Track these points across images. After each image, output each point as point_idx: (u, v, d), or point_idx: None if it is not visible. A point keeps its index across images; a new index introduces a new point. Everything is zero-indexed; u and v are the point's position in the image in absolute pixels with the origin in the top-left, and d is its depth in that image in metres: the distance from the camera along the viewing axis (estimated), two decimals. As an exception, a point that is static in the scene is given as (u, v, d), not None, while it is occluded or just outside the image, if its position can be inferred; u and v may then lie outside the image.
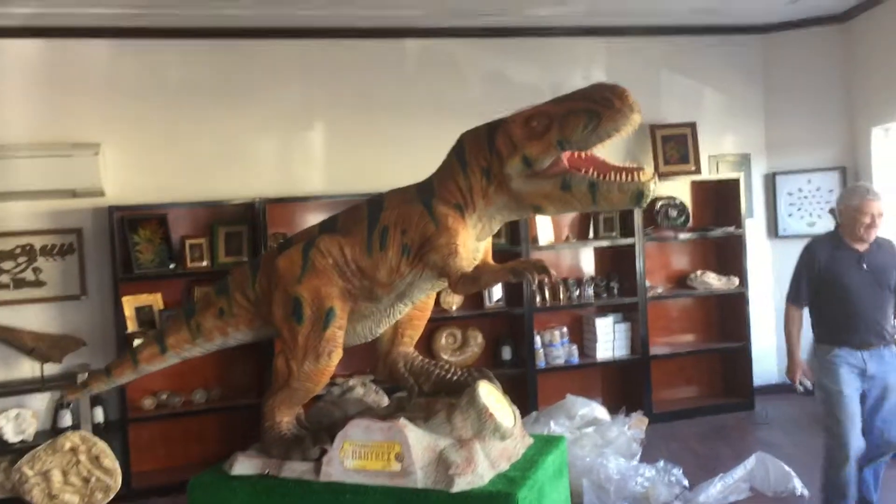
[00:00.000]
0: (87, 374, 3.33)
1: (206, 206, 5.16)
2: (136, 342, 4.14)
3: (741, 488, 4.19)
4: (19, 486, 4.47)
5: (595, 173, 2.47)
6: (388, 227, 2.77)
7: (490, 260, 2.94)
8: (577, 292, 5.76)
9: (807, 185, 6.20)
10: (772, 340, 6.35)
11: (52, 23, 4.92)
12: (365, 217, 2.85)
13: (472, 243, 2.75)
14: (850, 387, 3.70)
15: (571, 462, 4.17)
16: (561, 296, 5.72)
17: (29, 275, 4.92)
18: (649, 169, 2.46)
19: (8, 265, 4.89)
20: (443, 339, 5.55)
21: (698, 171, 5.99)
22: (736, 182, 5.92)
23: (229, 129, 5.32)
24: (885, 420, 3.72)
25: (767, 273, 6.35)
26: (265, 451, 2.91)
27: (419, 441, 2.67)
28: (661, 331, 6.07)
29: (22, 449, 4.56)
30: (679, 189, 6.05)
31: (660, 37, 6.08)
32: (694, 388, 6.20)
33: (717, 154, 6.22)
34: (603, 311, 5.86)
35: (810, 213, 6.19)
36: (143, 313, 4.96)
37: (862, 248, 3.76)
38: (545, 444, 3.08)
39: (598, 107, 2.38)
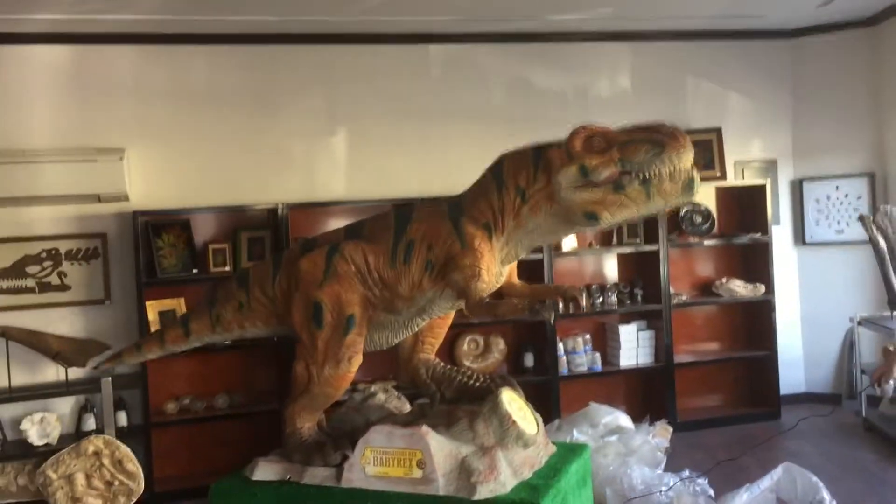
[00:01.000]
0: (121, 349, 3.44)
1: (229, 211, 5.18)
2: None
3: (768, 499, 4.10)
4: (43, 489, 4.49)
5: (644, 172, 2.49)
6: (414, 241, 2.76)
7: (515, 279, 2.93)
8: (601, 299, 5.71)
9: (835, 192, 6.11)
10: (798, 349, 6.27)
11: (78, 29, 4.96)
12: (392, 226, 2.84)
13: (497, 267, 2.73)
14: None
15: (594, 471, 4.12)
16: (584, 303, 5.67)
17: (54, 279, 4.96)
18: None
19: (34, 269, 4.94)
20: (465, 345, 5.52)
21: (724, 177, 5.92)
22: (762, 188, 5.84)
23: (253, 134, 5.34)
24: None
25: (794, 281, 6.26)
26: (286, 457, 2.91)
27: (441, 448, 2.66)
28: (685, 338, 6.00)
29: (46, 452, 4.57)
30: (704, 195, 5.97)
31: (686, 41, 6.03)
32: (719, 397, 6.12)
33: (743, 160, 6.15)
34: (626, 318, 5.80)
35: (838, 221, 6.10)
36: (166, 318, 4.97)
37: None
38: (568, 452, 3.06)
39: (663, 137, 2.45)
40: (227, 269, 5.06)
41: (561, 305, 2.64)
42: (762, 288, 5.85)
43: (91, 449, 4.48)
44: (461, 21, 5.42)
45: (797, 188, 6.22)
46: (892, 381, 3.86)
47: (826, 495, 4.09)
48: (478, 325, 5.47)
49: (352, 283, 2.82)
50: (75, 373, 4.84)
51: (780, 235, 6.17)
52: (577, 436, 4.55)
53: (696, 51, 6.07)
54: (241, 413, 5.09)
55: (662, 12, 5.54)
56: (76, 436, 4.79)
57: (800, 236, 6.24)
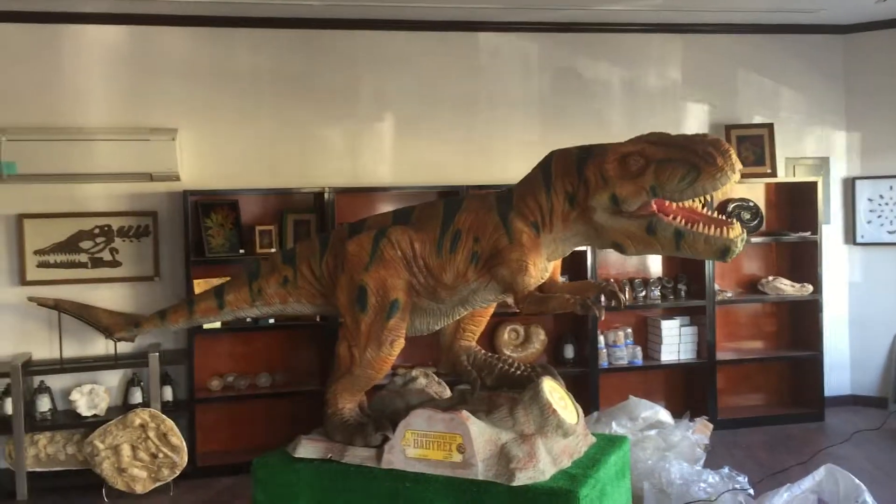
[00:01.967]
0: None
1: (276, 193, 5.24)
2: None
3: (809, 499, 4.05)
4: (90, 458, 4.63)
5: (683, 221, 2.44)
6: (461, 231, 2.77)
7: (558, 276, 2.92)
8: (643, 293, 5.67)
9: (888, 192, 5.98)
10: (845, 350, 6.17)
11: (134, 10, 5.06)
12: (440, 215, 2.84)
13: (543, 263, 2.72)
14: None
15: (633, 464, 4.09)
16: (627, 296, 5.65)
17: (106, 255, 5.08)
18: (738, 224, 2.39)
19: (87, 244, 5.06)
20: (505, 335, 5.53)
21: (774, 173, 5.83)
22: (813, 186, 5.74)
23: (301, 118, 5.40)
24: None
25: (843, 281, 6.16)
26: (328, 436, 2.94)
27: (481, 434, 2.67)
28: (728, 336, 5.94)
29: (94, 423, 4.73)
30: (753, 191, 5.90)
31: (738, 34, 5.94)
32: (761, 396, 6.05)
33: (794, 157, 6.05)
34: (669, 313, 5.76)
35: (891, 221, 5.98)
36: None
37: None
38: (608, 443, 3.05)
39: (699, 161, 2.34)
40: (273, 250, 5.12)
41: (606, 302, 2.62)
42: (809, 287, 5.76)
43: (137, 421, 4.64)
44: (509, 10, 5.41)
45: (849, 186, 6.10)
46: None
47: (869, 498, 4.03)
48: (518, 314, 5.47)
49: (397, 269, 2.83)
50: (124, 347, 4.95)
51: (831, 234, 6.07)
52: (616, 429, 4.54)
53: (748, 44, 5.98)
54: (283, 392, 5.17)
55: (714, 5, 5.45)
56: (123, 408, 4.92)
57: (850, 236, 6.13)
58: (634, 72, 5.86)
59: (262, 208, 5.29)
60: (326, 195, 5.14)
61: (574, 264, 5.35)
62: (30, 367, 4.79)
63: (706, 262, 5.54)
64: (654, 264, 5.88)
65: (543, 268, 2.74)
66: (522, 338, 5.58)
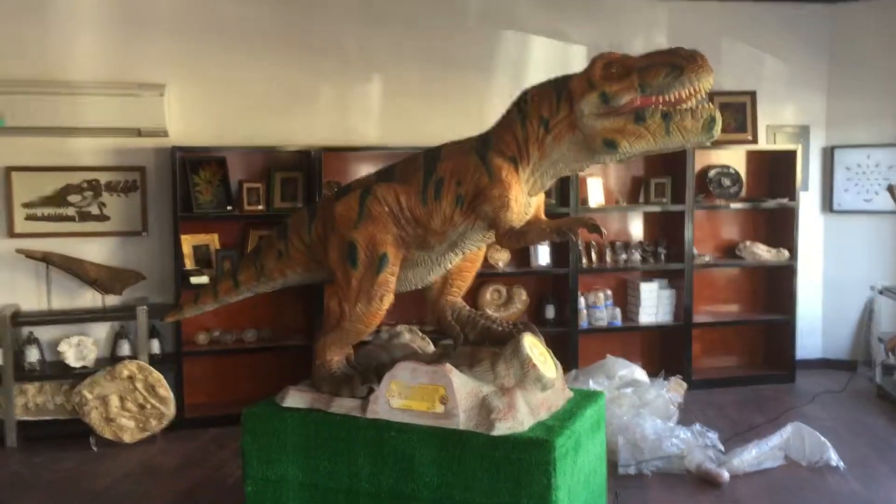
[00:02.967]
0: (180, 304, 3.61)
1: (263, 151, 5.28)
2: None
3: (776, 456, 4.23)
4: (79, 408, 4.72)
5: (667, 106, 2.54)
6: (443, 178, 2.86)
7: (542, 216, 3.00)
8: (624, 256, 5.78)
9: (865, 160, 6.10)
10: (818, 315, 6.33)
11: (123, -36, 5.05)
12: (421, 167, 2.93)
13: (524, 198, 2.81)
14: None
15: (608, 420, 4.23)
16: (608, 259, 5.76)
17: (94, 209, 5.11)
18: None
19: (75, 199, 5.09)
20: (488, 295, 5.63)
21: (755, 140, 5.92)
22: (793, 154, 5.84)
23: (289, 76, 5.41)
24: None
25: (818, 247, 6.30)
26: (315, 387, 3.05)
27: (463, 386, 2.78)
28: (706, 299, 6.08)
29: (82, 374, 4.81)
30: (734, 158, 6.01)
31: (724, 2, 5.99)
32: (735, 358, 6.21)
33: (775, 124, 6.15)
34: (648, 276, 5.88)
35: (867, 189, 6.10)
36: (200, 252, 5.13)
37: None
38: (584, 398, 3.18)
39: (681, 61, 2.48)
40: (261, 207, 5.18)
41: (579, 260, 2.73)
42: (785, 253, 5.89)
43: (125, 373, 4.73)
44: (500, -29, 5.42)
45: (828, 155, 6.22)
46: None
47: (833, 455, 4.22)
48: (501, 274, 5.58)
49: (385, 224, 2.92)
50: (111, 300, 5.02)
51: (808, 201, 6.19)
52: (594, 386, 4.68)
53: (734, 12, 6.03)
54: (269, 347, 5.26)
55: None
56: (111, 360, 4.99)
57: (827, 203, 6.26)
58: (623, 37, 5.87)
59: (250, 165, 5.33)
60: (313, 154, 5.19)
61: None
62: (18, 319, 4.85)
63: (685, 226, 5.65)
64: (636, 229, 5.99)
65: (526, 203, 2.83)
66: (505, 298, 5.68)
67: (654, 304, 5.80)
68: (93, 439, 4.72)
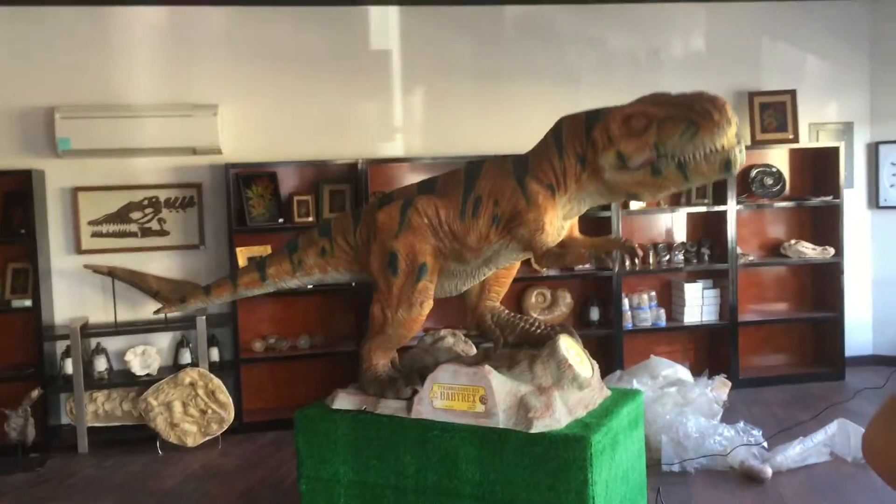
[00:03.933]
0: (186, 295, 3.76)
1: (312, 165, 5.49)
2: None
3: (821, 452, 4.25)
4: (145, 414, 4.98)
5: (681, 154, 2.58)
6: (481, 197, 2.98)
7: (576, 233, 3.12)
8: (667, 257, 5.84)
9: (912, 156, 6.06)
10: (867, 312, 6.30)
11: (176, -9, 5.32)
12: (461, 183, 3.06)
13: (559, 222, 2.93)
14: None
15: (652, 419, 4.33)
16: (651, 260, 5.82)
17: (154, 225, 5.39)
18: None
19: (136, 215, 5.37)
20: (532, 298, 5.75)
21: (796, 139, 5.93)
22: (835, 151, 5.83)
23: (335, 92, 5.62)
24: None
25: (866, 244, 6.27)
26: (363, 390, 3.21)
27: (502, 386, 2.91)
28: (751, 298, 6.10)
29: (147, 382, 5.06)
30: (776, 157, 6.02)
31: (762, 2, 6.01)
32: (783, 357, 6.21)
33: (818, 122, 6.14)
34: (692, 276, 5.93)
35: (913, 185, 6.07)
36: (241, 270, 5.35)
37: None
38: (622, 396, 3.27)
39: (697, 117, 2.51)
40: (311, 219, 5.39)
41: (622, 257, 2.82)
42: (831, 250, 5.88)
43: (188, 380, 4.97)
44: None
45: (873, 151, 6.18)
46: None
47: (878, 451, 4.22)
48: (545, 278, 5.69)
49: (424, 235, 3.06)
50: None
51: (854, 198, 6.17)
52: (637, 386, 4.74)
53: (772, 12, 6.05)
54: (321, 353, 5.46)
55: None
56: (173, 368, 5.25)
57: (874, 200, 6.22)
58: (659, 42, 5.97)
59: (300, 179, 5.55)
60: (360, 166, 5.38)
61: (599, 230, 5.54)
62: (87, 330, 5.14)
63: (728, 226, 5.69)
64: (679, 229, 6.05)
65: (560, 226, 2.95)
66: (549, 301, 5.79)
67: (698, 304, 5.84)
68: (159, 444, 4.97)
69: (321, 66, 5.60)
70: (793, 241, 5.98)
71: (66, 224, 5.32)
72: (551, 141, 2.91)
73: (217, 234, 5.46)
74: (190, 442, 4.97)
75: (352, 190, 5.46)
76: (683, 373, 5.01)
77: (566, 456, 2.77)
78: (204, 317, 5.11)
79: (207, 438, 5.01)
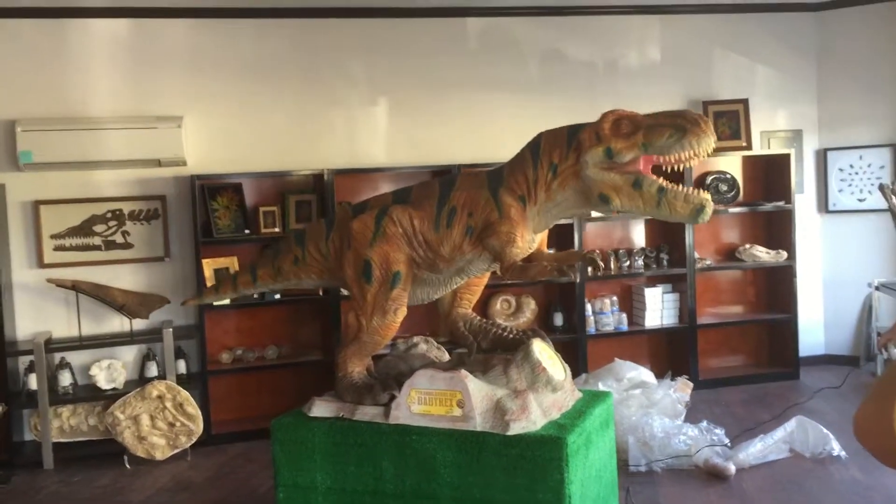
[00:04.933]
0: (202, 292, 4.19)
1: (278, 176, 5.50)
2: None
3: (781, 448, 4.41)
4: (112, 428, 4.93)
5: (665, 181, 2.74)
6: (456, 207, 3.06)
7: (544, 248, 3.23)
8: (628, 263, 5.98)
9: (858, 161, 6.29)
10: (819, 313, 6.51)
11: (137, 3, 5.29)
12: (436, 194, 3.13)
13: (530, 235, 3.02)
14: None
15: (618, 421, 4.44)
16: (612, 266, 5.95)
17: (118, 237, 5.35)
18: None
19: (100, 228, 5.32)
20: (498, 305, 5.83)
21: (749, 146, 6.12)
22: (786, 157, 6.04)
23: (300, 104, 5.65)
24: None
25: (817, 247, 6.49)
26: (339, 397, 3.25)
27: (478, 390, 2.98)
28: (709, 302, 6.28)
29: (113, 396, 5.01)
30: (730, 164, 6.20)
31: (714, 14, 6.21)
32: (740, 358, 6.39)
33: (769, 130, 6.35)
34: (652, 281, 6.08)
35: (860, 189, 6.29)
36: (220, 274, 5.34)
37: None
38: (593, 398, 3.37)
39: (685, 123, 2.66)
40: (277, 230, 5.40)
41: (586, 268, 2.93)
42: (784, 254, 6.08)
43: (155, 393, 4.95)
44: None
45: (822, 157, 6.41)
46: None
47: (836, 445, 4.39)
48: (510, 285, 5.77)
49: (399, 244, 3.12)
50: (138, 324, 5.24)
51: (805, 203, 6.38)
52: (602, 388, 4.85)
53: (724, 24, 6.25)
54: (289, 363, 5.47)
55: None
56: (140, 381, 5.21)
57: (823, 204, 6.45)
58: (616, 52, 6.12)
59: (265, 190, 5.56)
60: (325, 176, 5.42)
61: (561, 236, 5.65)
62: (51, 345, 5.07)
63: (686, 231, 5.85)
64: (638, 236, 6.19)
65: (530, 239, 3.03)
66: (514, 307, 5.88)
67: (658, 307, 5.99)
68: (126, 458, 4.92)
69: (285, 77, 5.63)
70: (747, 246, 6.16)
71: (27, 238, 5.25)
72: (528, 154, 3.00)
73: (182, 247, 5.44)
74: (158, 455, 4.94)
75: (318, 200, 5.49)
76: (647, 375, 5.14)
77: (543, 456, 2.85)
78: (170, 329, 5.08)
79: (176, 451, 4.98)
